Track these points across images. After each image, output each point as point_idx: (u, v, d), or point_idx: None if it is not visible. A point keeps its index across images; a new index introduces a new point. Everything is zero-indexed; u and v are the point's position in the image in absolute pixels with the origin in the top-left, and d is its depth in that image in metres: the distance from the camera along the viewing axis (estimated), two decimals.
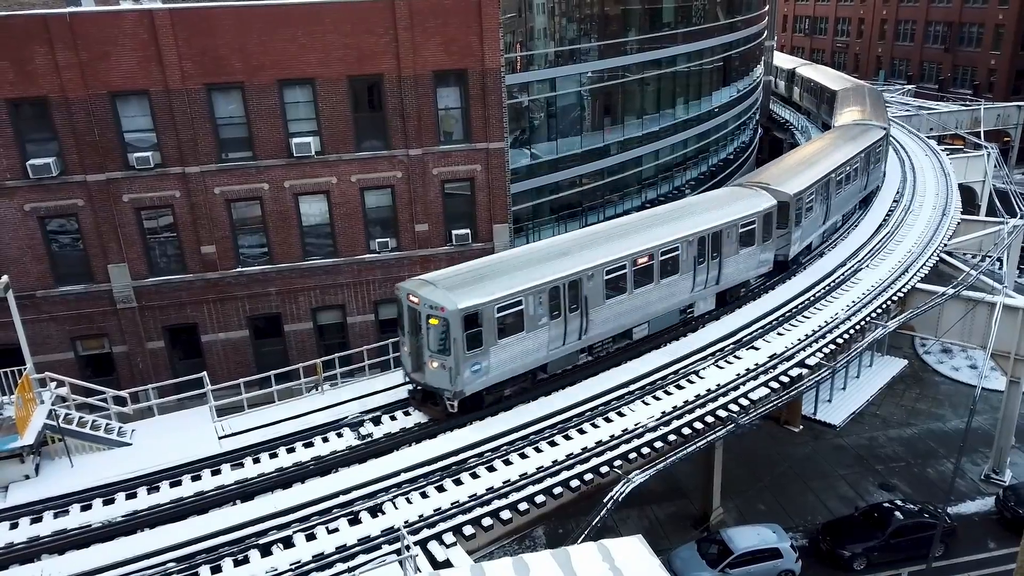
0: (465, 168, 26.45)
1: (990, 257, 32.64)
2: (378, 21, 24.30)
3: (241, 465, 18.40)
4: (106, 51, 22.66)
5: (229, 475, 18.02)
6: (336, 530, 16.16)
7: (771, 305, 27.16)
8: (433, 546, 15.70)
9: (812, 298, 27.82)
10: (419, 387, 20.42)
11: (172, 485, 17.63)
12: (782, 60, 70.45)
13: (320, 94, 24.54)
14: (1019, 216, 37.05)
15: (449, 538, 15.92)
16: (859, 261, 31.18)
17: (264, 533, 15.91)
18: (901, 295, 28.25)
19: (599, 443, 19.26)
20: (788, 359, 23.42)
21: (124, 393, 20.57)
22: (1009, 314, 26.79)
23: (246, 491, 17.27)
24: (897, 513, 24.93)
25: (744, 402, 21.31)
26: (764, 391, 21.93)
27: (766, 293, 28.33)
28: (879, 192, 40.22)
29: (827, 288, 28.68)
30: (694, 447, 19.78)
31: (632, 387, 21.96)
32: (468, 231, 26.82)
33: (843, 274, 29.93)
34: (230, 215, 25.07)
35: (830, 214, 32.68)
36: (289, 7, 23.68)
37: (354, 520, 16.46)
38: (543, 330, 20.71)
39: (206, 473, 18.07)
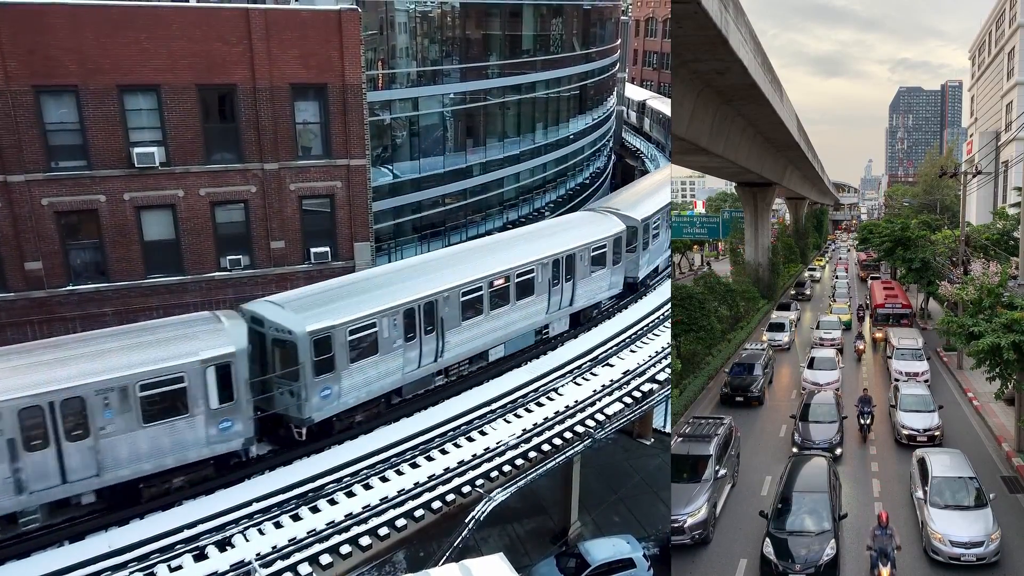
0: (325, 184, 25.79)
1: None
2: (231, 30, 23.28)
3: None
4: None
5: None
6: (180, 567, 15.09)
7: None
8: None
9: (660, 317, 29.42)
10: None
11: None
12: (632, 92, 73.89)
13: (166, 102, 23.10)
14: None
15: (305, 568, 15.29)
16: None
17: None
18: None
19: (461, 463, 19.23)
20: (640, 375, 24.57)
21: None
22: None
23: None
24: None
25: (600, 417, 22.09)
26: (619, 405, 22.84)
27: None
28: None
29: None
30: (554, 462, 20.20)
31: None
32: (328, 249, 26.11)
33: None
34: (60, 228, 22.99)
35: None
36: (132, 9, 22.18)
37: (200, 556, 15.44)
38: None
39: None
